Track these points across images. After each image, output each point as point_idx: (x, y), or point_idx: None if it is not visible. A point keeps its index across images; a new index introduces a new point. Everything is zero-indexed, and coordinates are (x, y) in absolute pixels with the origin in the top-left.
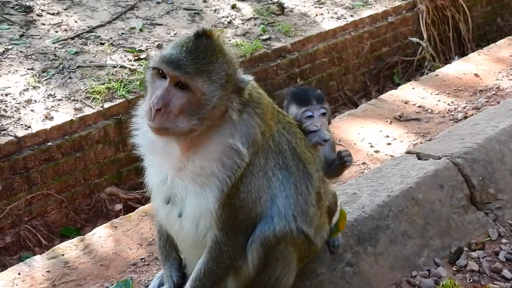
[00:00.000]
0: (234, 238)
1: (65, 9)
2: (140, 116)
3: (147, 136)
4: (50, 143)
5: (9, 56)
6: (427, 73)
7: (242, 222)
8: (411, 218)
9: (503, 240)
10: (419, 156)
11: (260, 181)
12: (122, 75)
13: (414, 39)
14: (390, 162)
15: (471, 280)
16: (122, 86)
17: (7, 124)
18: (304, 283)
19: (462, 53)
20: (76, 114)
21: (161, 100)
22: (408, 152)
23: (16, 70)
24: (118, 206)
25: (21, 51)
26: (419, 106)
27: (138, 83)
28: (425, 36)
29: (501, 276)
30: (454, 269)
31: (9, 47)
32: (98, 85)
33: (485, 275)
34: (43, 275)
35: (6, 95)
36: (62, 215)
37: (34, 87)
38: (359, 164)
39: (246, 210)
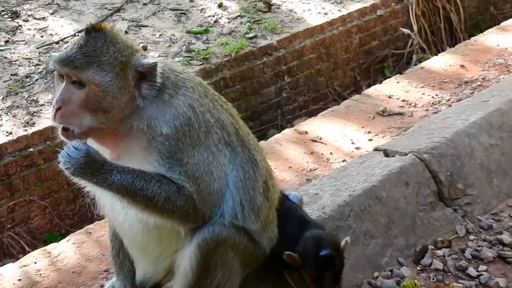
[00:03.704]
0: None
1: (52, 14)
2: None
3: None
4: (31, 149)
5: None
6: (415, 65)
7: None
8: (374, 217)
9: (471, 237)
10: (387, 153)
11: (204, 154)
12: None
13: (405, 30)
14: (356, 160)
15: (434, 280)
16: None
17: None
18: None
19: (455, 44)
20: None
21: (60, 99)
22: (376, 149)
23: (0, 77)
24: None
25: (5, 57)
26: (403, 100)
27: None
28: (415, 28)
29: (466, 274)
30: (418, 268)
31: None
32: None
33: (449, 273)
34: (14, 284)
35: None
36: (46, 221)
37: (17, 93)
38: (339, 162)
39: (205, 184)
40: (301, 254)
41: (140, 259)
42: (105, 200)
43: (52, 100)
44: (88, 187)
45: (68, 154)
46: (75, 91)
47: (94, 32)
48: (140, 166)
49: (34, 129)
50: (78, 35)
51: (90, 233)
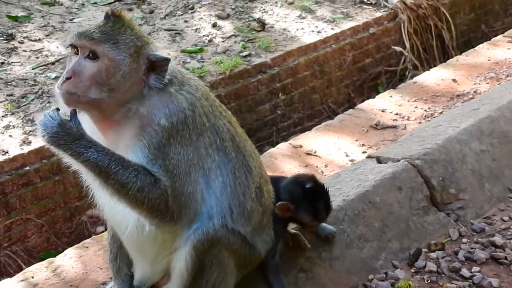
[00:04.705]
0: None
1: (47, 35)
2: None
3: (86, 122)
4: (28, 168)
5: None
6: None
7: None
8: (368, 221)
9: (464, 240)
10: (379, 160)
11: (190, 155)
12: None
13: (397, 48)
14: (350, 167)
15: (428, 281)
16: None
17: None
18: None
19: (447, 61)
20: None
21: (71, 70)
22: (369, 157)
23: None
24: (100, 228)
25: (1, 78)
26: (396, 114)
27: None
28: (407, 45)
29: (459, 276)
30: (412, 270)
31: None
32: None
33: (443, 275)
34: None
35: None
36: (43, 240)
37: (13, 113)
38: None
39: (181, 183)
40: (290, 200)
41: (138, 260)
42: (103, 199)
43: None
44: (66, 159)
45: (44, 122)
46: (87, 64)
47: (113, 17)
48: (126, 150)
49: (30, 147)
50: None
51: (87, 247)
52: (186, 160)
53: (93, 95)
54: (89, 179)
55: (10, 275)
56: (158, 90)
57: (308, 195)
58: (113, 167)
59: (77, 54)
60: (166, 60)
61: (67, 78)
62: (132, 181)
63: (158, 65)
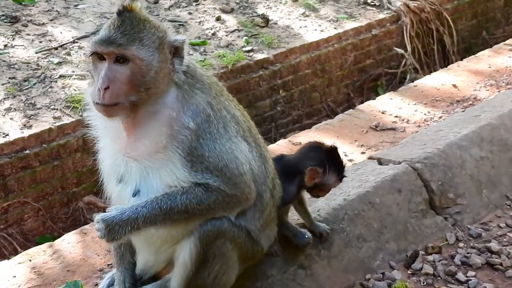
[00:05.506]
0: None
1: (51, 20)
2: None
3: (100, 118)
4: (27, 151)
5: None
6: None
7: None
8: (367, 222)
9: (460, 244)
10: (380, 162)
11: (226, 145)
12: None
13: (399, 50)
14: (351, 167)
15: (424, 283)
16: None
17: None
18: (254, 285)
19: (447, 66)
20: (55, 122)
21: (106, 79)
22: (370, 158)
23: None
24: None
25: (4, 61)
26: (396, 116)
27: None
28: (409, 48)
29: (455, 279)
30: (409, 272)
31: None
32: (79, 94)
33: (439, 278)
34: (8, 280)
35: None
36: (39, 224)
37: (15, 96)
38: None
39: (232, 169)
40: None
41: (142, 249)
42: (112, 188)
43: (98, 82)
44: (134, 233)
45: (99, 235)
46: (119, 69)
47: (126, 12)
48: (163, 164)
49: (31, 131)
50: (77, 42)
51: (85, 233)
52: (225, 150)
53: (133, 98)
54: (161, 229)
55: (5, 257)
56: (175, 85)
57: (330, 156)
58: (164, 206)
59: (102, 60)
60: (185, 40)
61: (105, 89)
62: (187, 202)
63: (179, 49)
